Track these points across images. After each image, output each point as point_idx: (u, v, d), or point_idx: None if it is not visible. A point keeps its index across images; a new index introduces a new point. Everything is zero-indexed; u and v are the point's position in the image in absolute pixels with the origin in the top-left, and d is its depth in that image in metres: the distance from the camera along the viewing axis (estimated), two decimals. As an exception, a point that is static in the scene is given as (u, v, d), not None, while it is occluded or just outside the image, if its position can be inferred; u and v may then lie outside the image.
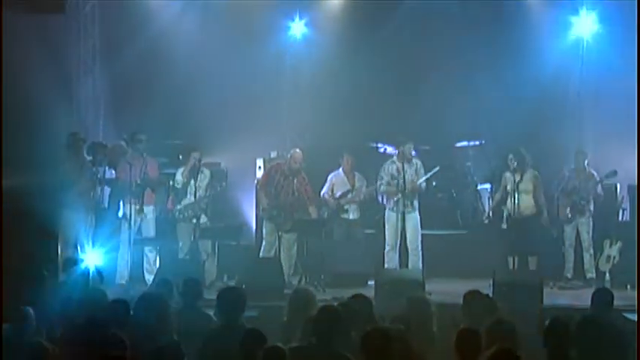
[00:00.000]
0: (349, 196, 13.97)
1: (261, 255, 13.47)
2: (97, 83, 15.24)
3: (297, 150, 13.57)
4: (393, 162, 13.47)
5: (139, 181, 12.99)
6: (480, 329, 6.70)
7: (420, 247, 13.37)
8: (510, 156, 13.40)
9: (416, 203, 13.54)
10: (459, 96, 15.22)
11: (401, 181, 13.32)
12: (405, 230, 13.40)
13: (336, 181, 14.06)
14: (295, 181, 13.42)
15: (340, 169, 14.08)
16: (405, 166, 13.41)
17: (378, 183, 13.66)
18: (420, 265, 13.21)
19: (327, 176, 14.12)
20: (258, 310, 10.24)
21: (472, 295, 8.35)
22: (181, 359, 6.25)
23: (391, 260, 13.29)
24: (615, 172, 13.40)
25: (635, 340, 6.50)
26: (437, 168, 13.84)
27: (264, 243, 13.55)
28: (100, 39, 15.18)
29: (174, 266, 12.34)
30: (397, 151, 13.67)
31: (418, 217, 13.48)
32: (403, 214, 13.33)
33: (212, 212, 13.68)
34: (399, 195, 13.28)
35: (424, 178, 13.57)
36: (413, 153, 13.70)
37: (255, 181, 14.64)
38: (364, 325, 7.00)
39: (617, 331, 7.71)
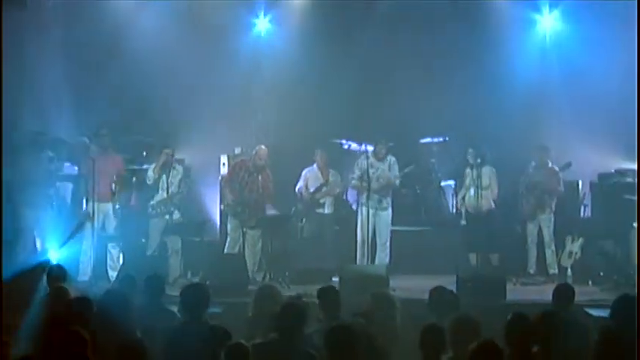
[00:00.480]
0: (323, 189, 13.99)
1: (226, 251, 13.45)
2: (59, 79, 15.09)
3: (262, 147, 13.57)
4: (367, 158, 13.47)
5: (103, 177, 12.92)
6: (444, 325, 6.73)
7: (388, 244, 13.43)
8: (470, 150, 13.49)
9: (388, 199, 13.60)
10: (424, 93, 15.24)
11: (373, 177, 13.36)
12: (376, 226, 13.45)
13: (310, 177, 14.09)
14: (260, 177, 13.41)
15: (314, 165, 14.13)
16: (379, 162, 13.47)
17: (350, 177, 13.72)
18: (387, 261, 13.26)
19: (301, 172, 14.18)
20: (222, 306, 10.21)
21: (437, 291, 8.39)
22: (145, 356, 6.21)
23: (361, 256, 13.30)
24: (569, 164, 13.52)
25: (594, 335, 6.55)
26: (412, 166, 13.92)
27: (228, 239, 13.53)
28: (62, 35, 15.03)
29: (138, 263, 12.28)
30: (373, 149, 13.72)
31: (390, 213, 13.55)
32: (375, 210, 13.39)
33: (180, 209, 13.64)
34: (370, 191, 13.30)
35: (398, 175, 13.61)
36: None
37: (220, 178, 14.62)
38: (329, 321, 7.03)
39: (578, 326, 7.78)
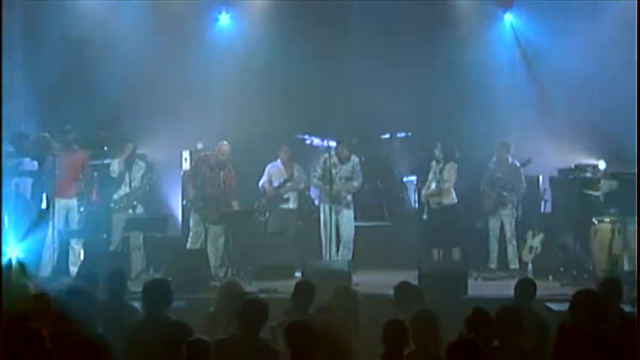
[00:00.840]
0: (288, 185, 13.99)
1: (188, 247, 13.41)
2: (22, 75, 14.95)
3: (225, 142, 13.54)
4: (330, 157, 13.44)
5: (66, 173, 12.85)
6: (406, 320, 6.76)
7: (352, 240, 13.43)
8: (439, 144, 13.53)
9: (349, 197, 13.63)
10: (386, 88, 15.27)
11: (336, 177, 13.37)
12: (339, 223, 13.47)
13: (273, 172, 14.10)
14: (222, 173, 13.39)
15: (278, 160, 14.13)
16: (341, 164, 13.48)
17: (312, 175, 13.73)
18: (350, 257, 13.26)
19: (264, 167, 14.15)
20: (185, 302, 10.20)
21: (403, 287, 8.43)
22: (107, 352, 6.18)
23: (325, 251, 13.31)
24: (530, 160, 13.62)
25: (553, 331, 6.62)
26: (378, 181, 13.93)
27: (190, 235, 13.49)
28: (26, 30, 14.90)
29: (100, 259, 12.20)
30: (335, 147, 13.72)
31: (352, 210, 13.54)
32: (338, 206, 13.40)
33: (142, 204, 13.59)
34: (332, 190, 13.30)
35: (361, 179, 13.61)
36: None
37: (182, 173, 14.58)
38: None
39: (538, 321, 7.85)
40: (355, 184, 13.61)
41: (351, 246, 13.43)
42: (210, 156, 13.56)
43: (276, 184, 14.03)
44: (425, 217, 13.60)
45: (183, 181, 14.33)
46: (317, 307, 7.82)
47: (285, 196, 14.06)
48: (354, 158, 13.60)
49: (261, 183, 14.10)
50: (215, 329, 7.47)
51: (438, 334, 6.77)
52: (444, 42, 15.52)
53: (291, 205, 14.15)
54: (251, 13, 15.97)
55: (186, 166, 14.60)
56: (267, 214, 14.08)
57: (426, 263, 12.32)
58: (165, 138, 14.72)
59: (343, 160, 13.52)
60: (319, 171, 13.50)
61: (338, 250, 13.42)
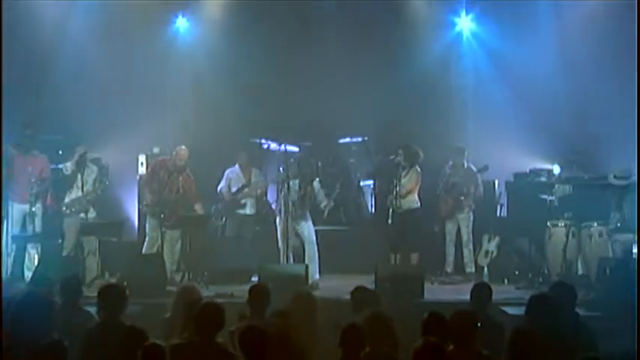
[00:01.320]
0: (245, 190, 13.96)
1: (144, 251, 13.32)
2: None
3: (183, 147, 13.47)
4: (290, 188, 13.29)
5: (23, 178, 12.74)
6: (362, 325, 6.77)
7: (314, 241, 13.30)
8: (400, 151, 13.55)
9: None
10: (343, 93, 15.33)
11: (299, 205, 13.28)
12: (297, 227, 13.37)
13: (232, 177, 14.06)
14: (180, 178, 13.33)
15: (236, 165, 14.09)
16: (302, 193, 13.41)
17: (276, 175, 13.65)
18: (317, 262, 13.14)
19: (222, 172, 14.10)
20: (140, 306, 10.14)
21: (358, 291, 8.45)
22: (63, 357, 6.13)
23: (284, 257, 13.24)
24: (487, 167, 13.70)
25: (509, 334, 6.66)
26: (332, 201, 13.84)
27: (147, 239, 13.40)
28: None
29: (54, 263, 12.10)
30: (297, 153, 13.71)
31: (310, 221, 13.40)
32: (296, 211, 13.28)
33: (95, 208, 13.49)
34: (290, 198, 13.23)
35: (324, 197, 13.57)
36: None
37: (138, 177, 14.50)
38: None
39: (493, 325, 7.91)
40: (323, 205, 13.47)
41: (315, 247, 13.26)
42: (168, 160, 13.49)
43: (234, 189, 14.00)
44: (389, 221, 13.52)
45: (140, 185, 14.25)
46: (273, 312, 7.80)
47: (242, 201, 14.03)
48: (316, 184, 13.48)
49: (219, 188, 14.06)
50: (171, 334, 7.43)
51: (392, 336, 6.80)
52: (401, 46, 15.62)
53: (248, 210, 14.11)
54: (208, 17, 15.94)
55: (142, 170, 14.51)
56: (224, 219, 14.04)
57: (383, 267, 12.31)
58: (121, 142, 14.64)
59: (304, 197, 13.36)
60: (282, 203, 13.27)
61: (304, 251, 13.26)
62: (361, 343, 6.58)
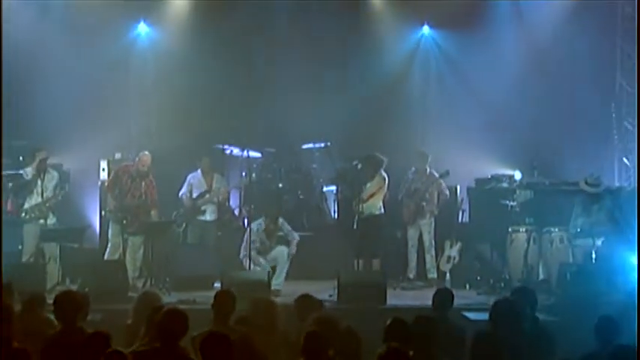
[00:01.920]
0: (206, 196, 13.91)
1: (106, 257, 13.24)
2: None
3: (146, 153, 13.41)
4: (259, 233, 13.25)
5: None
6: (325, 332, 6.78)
7: (286, 263, 13.25)
8: (368, 156, 13.57)
9: None
10: (305, 98, 15.36)
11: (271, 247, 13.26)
12: (270, 256, 13.31)
13: (194, 182, 13.99)
14: (143, 184, 13.26)
15: (199, 171, 14.02)
16: (269, 238, 13.34)
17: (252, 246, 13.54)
18: (284, 274, 13.12)
19: (185, 177, 14.04)
20: (102, 313, 10.08)
21: (302, 298, 8.44)
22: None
23: (245, 262, 13.19)
24: (448, 172, 13.74)
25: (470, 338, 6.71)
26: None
27: (109, 245, 13.32)
28: None
29: (14, 270, 11.97)
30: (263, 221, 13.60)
31: (280, 245, 13.36)
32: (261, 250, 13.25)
33: (55, 214, 13.38)
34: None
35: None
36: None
37: (99, 183, 14.41)
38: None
39: (455, 330, 7.95)
40: (294, 245, 13.41)
41: (287, 266, 13.23)
42: (131, 166, 13.43)
43: (195, 194, 13.94)
44: (354, 226, 13.54)
45: (102, 191, 14.17)
46: (237, 318, 7.78)
47: (203, 207, 13.96)
48: (282, 222, 13.46)
49: (180, 193, 13.99)
50: (133, 341, 7.38)
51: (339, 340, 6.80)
52: (363, 53, 15.67)
53: (209, 216, 14.02)
54: (170, 22, 15.89)
55: (103, 175, 14.43)
56: (184, 225, 13.98)
57: (346, 273, 12.32)
58: (83, 147, 14.54)
59: (270, 227, 13.35)
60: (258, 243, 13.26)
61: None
62: (324, 348, 6.58)
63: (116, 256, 13.14)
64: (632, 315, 8.33)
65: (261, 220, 13.32)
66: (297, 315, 8.08)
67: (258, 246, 13.07)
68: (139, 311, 8.08)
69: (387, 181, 13.57)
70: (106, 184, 13.83)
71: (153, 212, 13.41)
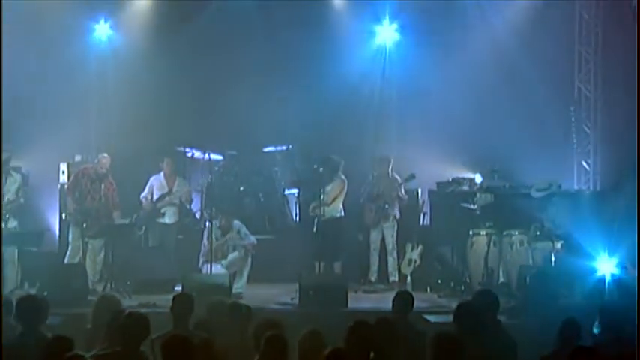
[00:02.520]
0: (166, 199, 13.83)
1: (66, 261, 13.15)
2: None
3: (105, 155, 13.35)
4: (212, 230, 13.17)
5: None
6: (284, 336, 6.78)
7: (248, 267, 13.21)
8: (326, 159, 13.59)
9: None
10: (267, 102, 15.36)
11: (222, 246, 13.19)
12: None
13: (155, 184, 13.92)
14: (102, 186, 13.19)
15: (161, 173, 13.94)
16: (223, 234, 13.28)
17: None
18: (245, 277, 13.06)
19: (147, 180, 13.97)
20: (61, 317, 10.01)
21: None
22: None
23: (206, 266, 13.12)
24: (413, 176, 13.78)
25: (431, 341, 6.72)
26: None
27: (69, 248, 13.23)
28: None
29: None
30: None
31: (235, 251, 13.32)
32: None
33: (16, 217, 13.25)
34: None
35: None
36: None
37: (59, 186, 14.30)
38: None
39: (415, 333, 7.98)
40: (248, 245, 13.33)
41: (247, 269, 13.18)
42: (91, 168, 13.35)
43: (156, 197, 13.88)
44: (314, 229, 13.55)
45: (62, 194, 14.06)
46: (197, 321, 7.76)
47: (162, 210, 13.88)
48: (236, 223, 13.41)
49: (142, 196, 13.92)
50: (93, 344, 7.33)
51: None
52: (325, 55, 15.66)
53: (168, 219, 13.94)
54: (131, 23, 15.78)
55: (63, 178, 14.32)
56: (144, 228, 13.89)
57: (307, 276, 12.33)
58: (42, 150, 14.38)
59: (225, 231, 13.29)
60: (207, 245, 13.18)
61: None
62: (284, 352, 6.58)
63: (76, 260, 13.06)
64: (591, 317, 8.40)
65: (216, 221, 13.26)
66: (229, 323, 8.04)
67: (214, 247, 12.94)
68: (98, 315, 8.05)
69: (346, 184, 13.62)
70: (66, 187, 13.73)
71: (115, 214, 13.34)
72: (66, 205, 13.64)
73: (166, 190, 13.90)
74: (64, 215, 13.93)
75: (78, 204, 13.17)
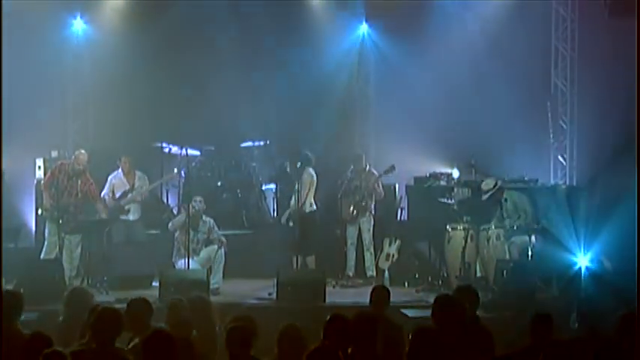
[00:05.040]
0: (129, 196, 13.77)
1: (43, 257, 13.08)
2: None
3: (82, 151, 13.29)
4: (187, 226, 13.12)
5: None
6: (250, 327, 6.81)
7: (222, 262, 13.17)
8: (296, 152, 13.60)
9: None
10: (244, 96, 15.34)
11: (195, 243, 13.14)
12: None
13: (115, 182, 13.82)
14: (79, 182, 13.13)
15: (119, 170, 13.85)
16: (195, 230, 13.24)
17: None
18: (221, 272, 13.02)
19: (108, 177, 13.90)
20: (37, 313, 9.97)
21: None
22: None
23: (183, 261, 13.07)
24: (393, 167, 13.73)
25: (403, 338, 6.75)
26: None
27: (46, 244, 13.16)
28: None
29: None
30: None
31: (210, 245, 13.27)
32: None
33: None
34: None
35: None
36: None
37: (35, 182, 14.23)
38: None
39: (393, 327, 7.99)
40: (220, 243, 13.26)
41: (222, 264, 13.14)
42: (68, 164, 13.28)
43: (118, 194, 13.78)
44: (289, 224, 13.57)
45: (38, 190, 13.98)
46: (176, 320, 7.73)
47: (127, 207, 13.80)
48: (207, 219, 13.34)
49: (103, 194, 13.75)
50: (66, 339, 7.27)
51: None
52: (303, 51, 15.68)
53: (132, 216, 13.83)
54: (107, 19, 15.72)
55: (39, 174, 14.25)
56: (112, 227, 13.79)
57: (284, 271, 12.33)
58: (18, 145, 14.28)
59: (196, 227, 13.21)
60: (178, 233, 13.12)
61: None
62: (247, 341, 6.61)
63: (53, 256, 12.98)
64: (567, 310, 8.46)
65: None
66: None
67: (184, 239, 12.87)
68: (70, 308, 8.02)
69: (314, 178, 13.57)
70: (42, 182, 13.65)
71: (99, 205, 13.26)
72: (42, 200, 13.56)
73: (127, 187, 13.81)
74: (40, 211, 13.84)
75: (54, 200, 13.10)
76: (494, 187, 13.18)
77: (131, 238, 13.83)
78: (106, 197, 13.74)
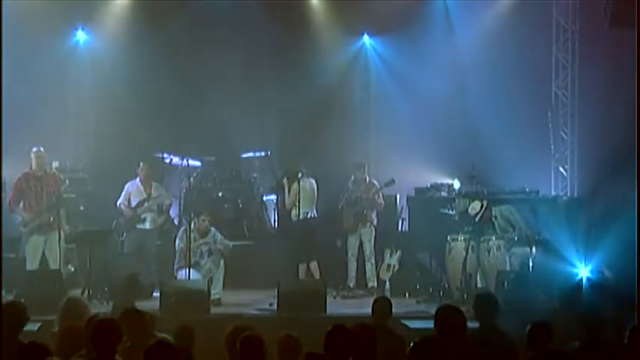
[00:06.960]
0: (145, 205, 13.75)
1: (27, 268, 12.95)
2: None
3: (34, 149, 12.95)
4: (190, 231, 13.06)
5: None
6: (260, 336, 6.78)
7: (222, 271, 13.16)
8: (292, 164, 13.61)
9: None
10: (246, 107, 15.37)
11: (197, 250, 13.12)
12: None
13: (132, 190, 13.80)
14: (44, 186, 12.85)
15: (137, 179, 13.83)
16: (201, 236, 13.22)
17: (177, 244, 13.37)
18: (222, 283, 13.00)
19: (124, 185, 13.85)
20: (38, 324, 9.94)
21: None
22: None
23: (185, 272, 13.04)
24: (393, 181, 13.76)
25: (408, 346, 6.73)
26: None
27: (28, 258, 13.01)
28: None
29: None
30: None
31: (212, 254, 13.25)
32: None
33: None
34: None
35: None
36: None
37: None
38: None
39: (394, 338, 7.97)
40: (224, 249, 13.23)
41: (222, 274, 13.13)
42: (29, 174, 12.91)
43: (134, 203, 13.79)
44: (288, 235, 13.57)
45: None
46: (178, 328, 7.73)
47: (143, 216, 13.80)
48: (212, 229, 13.28)
49: (118, 202, 13.78)
50: (62, 349, 7.24)
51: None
52: (304, 61, 15.71)
53: (148, 225, 13.86)
54: (109, 30, 15.74)
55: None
56: (124, 234, 13.81)
57: (285, 282, 12.31)
58: (18, 156, 14.22)
59: (202, 234, 13.19)
60: (181, 243, 13.08)
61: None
62: (261, 355, 6.58)
63: (36, 266, 12.84)
64: (569, 321, 8.45)
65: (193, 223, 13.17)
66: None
67: (184, 246, 12.83)
68: (65, 318, 8.00)
69: (299, 190, 13.49)
70: (8, 200, 13.14)
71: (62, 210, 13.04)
72: (17, 216, 13.29)
73: (144, 195, 13.80)
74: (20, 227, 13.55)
75: (28, 212, 12.93)
76: (481, 208, 13.18)
77: (144, 247, 13.76)
78: (122, 206, 13.69)
